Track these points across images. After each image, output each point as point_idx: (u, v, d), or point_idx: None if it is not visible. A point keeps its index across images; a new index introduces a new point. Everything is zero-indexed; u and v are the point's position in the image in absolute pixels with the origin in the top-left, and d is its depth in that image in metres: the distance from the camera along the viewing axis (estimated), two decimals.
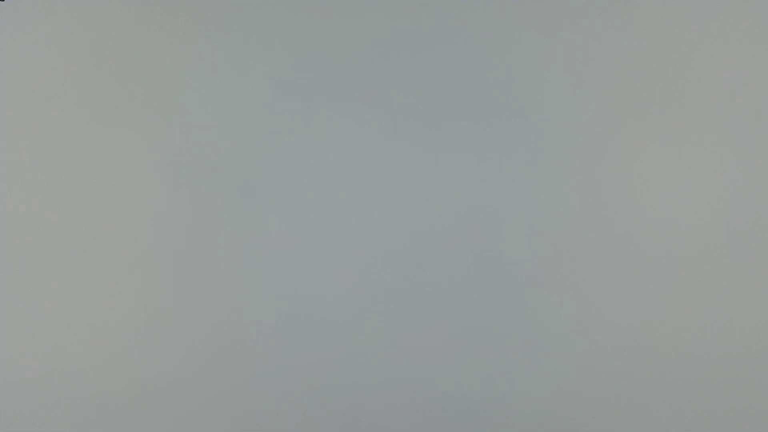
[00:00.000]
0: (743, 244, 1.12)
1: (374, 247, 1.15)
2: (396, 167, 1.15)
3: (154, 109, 1.13)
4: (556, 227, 1.14)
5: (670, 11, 1.14)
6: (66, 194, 1.11)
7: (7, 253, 1.10)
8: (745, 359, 1.12)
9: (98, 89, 1.12)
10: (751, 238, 1.12)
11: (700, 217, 1.13)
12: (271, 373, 1.14)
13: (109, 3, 1.13)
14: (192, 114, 1.14)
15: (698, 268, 1.12)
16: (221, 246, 1.13)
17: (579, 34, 1.15)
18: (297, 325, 1.14)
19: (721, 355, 1.12)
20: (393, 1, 1.15)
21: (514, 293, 1.14)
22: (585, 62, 1.15)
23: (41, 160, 1.11)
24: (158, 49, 1.13)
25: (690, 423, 1.12)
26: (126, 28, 1.13)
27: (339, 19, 1.15)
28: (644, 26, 1.14)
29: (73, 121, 1.12)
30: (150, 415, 1.12)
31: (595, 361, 1.14)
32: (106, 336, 1.11)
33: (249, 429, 1.14)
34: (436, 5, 1.15)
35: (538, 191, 1.14)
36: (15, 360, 1.10)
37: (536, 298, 1.14)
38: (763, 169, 1.12)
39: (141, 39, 1.13)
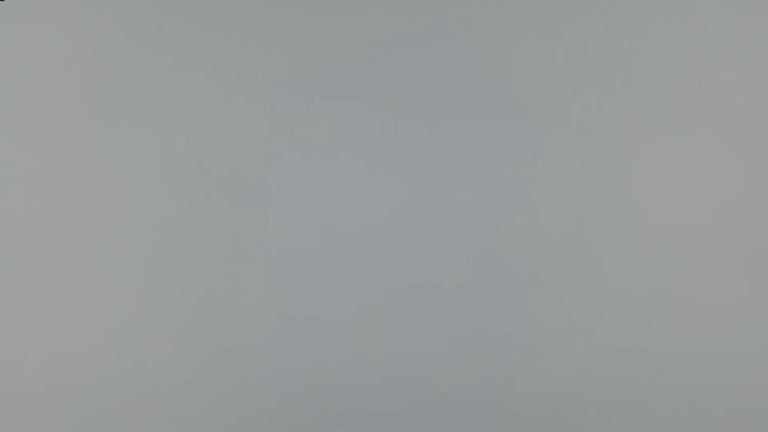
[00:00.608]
0: (743, 245, 1.12)
1: (374, 247, 1.15)
2: (396, 167, 1.15)
3: (154, 109, 1.13)
4: (556, 227, 1.14)
5: (670, 11, 1.14)
6: (66, 194, 1.11)
7: (7, 253, 1.10)
8: (745, 359, 1.12)
9: (98, 89, 1.12)
10: (751, 239, 1.12)
11: (700, 218, 1.13)
12: (271, 374, 1.14)
13: (109, 3, 1.13)
14: (192, 114, 1.14)
15: (698, 268, 1.12)
16: (222, 246, 1.13)
17: (579, 34, 1.15)
18: (297, 326, 1.14)
19: (721, 356, 1.12)
20: (393, 1, 1.15)
21: (514, 293, 1.14)
22: (585, 62, 1.15)
23: (41, 160, 1.11)
24: (158, 49, 1.13)
25: (690, 423, 1.13)
26: (126, 28, 1.13)
27: (339, 19, 1.15)
28: (644, 26, 1.14)
29: (73, 121, 1.12)
30: (150, 415, 1.12)
31: (595, 361, 1.14)
32: (107, 336, 1.11)
33: (249, 429, 1.14)
34: (436, 5, 1.15)
35: (538, 191, 1.14)
36: (15, 360, 1.10)
37: (536, 298, 1.14)
38: (763, 169, 1.12)
39: (141, 39, 1.13)
